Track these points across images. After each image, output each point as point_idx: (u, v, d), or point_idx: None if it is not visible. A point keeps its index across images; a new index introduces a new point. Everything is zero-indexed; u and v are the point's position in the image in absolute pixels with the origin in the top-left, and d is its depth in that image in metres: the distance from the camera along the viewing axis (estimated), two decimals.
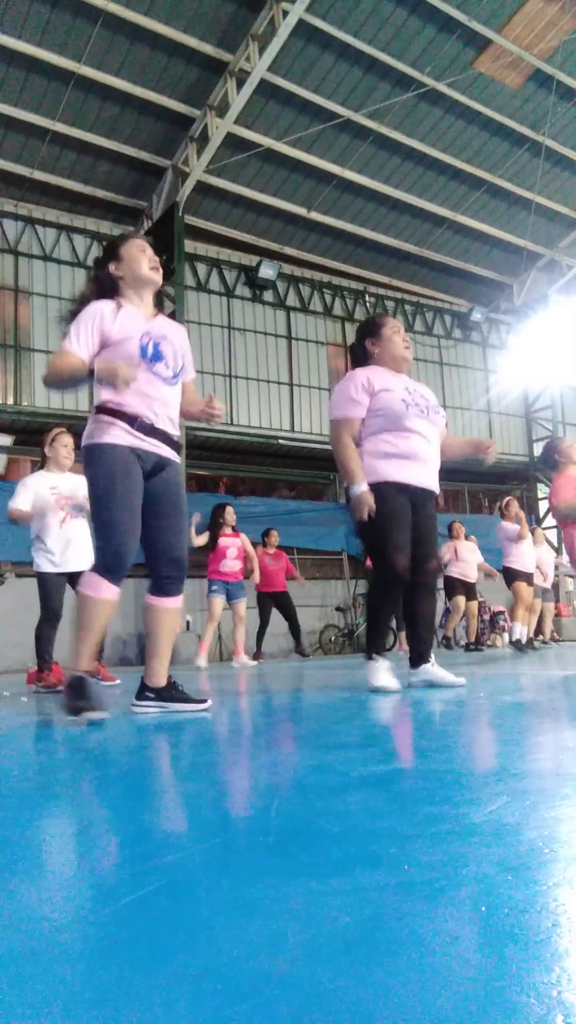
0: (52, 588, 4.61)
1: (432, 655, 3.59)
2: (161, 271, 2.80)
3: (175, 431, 2.78)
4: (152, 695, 2.79)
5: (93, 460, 2.60)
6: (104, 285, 2.76)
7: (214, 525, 7.64)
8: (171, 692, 2.78)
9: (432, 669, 3.53)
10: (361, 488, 3.30)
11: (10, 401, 10.41)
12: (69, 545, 4.61)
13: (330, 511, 12.78)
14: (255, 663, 7.93)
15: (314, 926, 0.69)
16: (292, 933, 0.68)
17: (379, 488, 3.34)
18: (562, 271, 15.07)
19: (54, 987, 0.59)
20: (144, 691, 2.81)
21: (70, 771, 1.78)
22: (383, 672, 3.34)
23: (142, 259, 2.73)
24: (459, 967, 0.60)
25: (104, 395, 2.62)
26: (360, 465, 3.36)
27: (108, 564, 2.54)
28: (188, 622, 10.61)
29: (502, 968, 0.59)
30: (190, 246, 11.80)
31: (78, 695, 2.45)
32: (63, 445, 4.77)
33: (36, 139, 10.29)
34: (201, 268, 12.32)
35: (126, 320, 2.65)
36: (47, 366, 2.64)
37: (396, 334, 3.56)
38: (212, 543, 7.58)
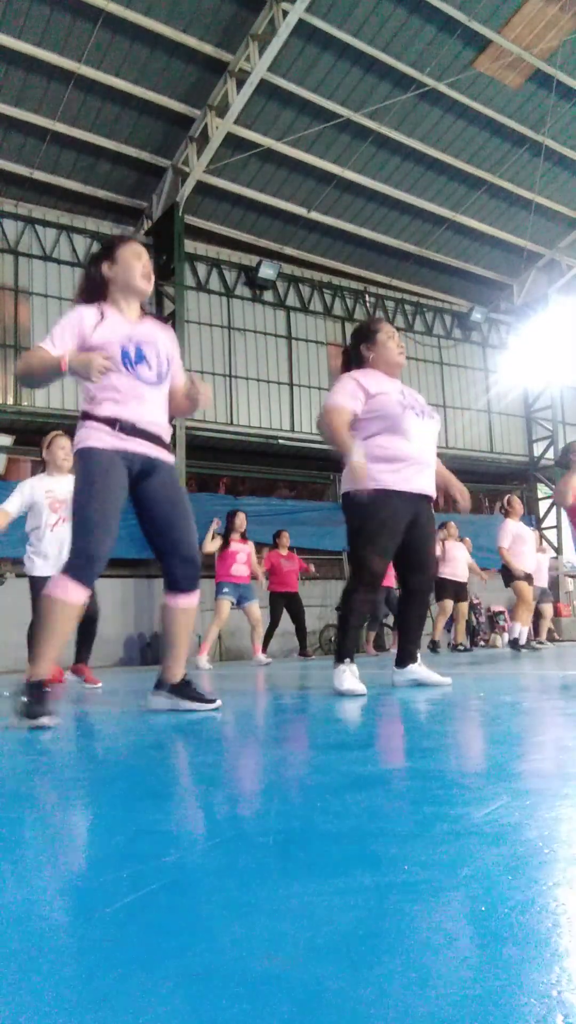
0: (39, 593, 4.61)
1: (419, 655, 3.63)
2: (152, 280, 2.83)
3: (163, 432, 2.79)
4: (166, 689, 2.84)
5: (78, 464, 2.66)
6: (95, 282, 2.79)
7: (228, 530, 7.76)
8: (185, 689, 2.82)
9: (418, 669, 3.58)
10: (356, 456, 3.25)
11: (10, 401, 10.41)
12: (61, 548, 4.61)
13: (330, 511, 12.76)
14: (270, 661, 8.00)
15: (314, 926, 0.69)
16: (292, 933, 0.68)
17: (374, 495, 3.33)
18: (562, 271, 15.06)
19: (54, 987, 0.59)
20: (158, 685, 2.88)
21: (70, 771, 1.78)
22: (349, 676, 3.29)
23: (136, 266, 2.76)
24: (459, 967, 0.60)
25: (86, 404, 2.67)
26: (351, 438, 3.33)
27: (78, 565, 2.53)
28: None
29: (502, 968, 0.59)
30: (190, 246, 11.80)
31: (37, 700, 2.43)
32: (60, 448, 4.79)
33: (36, 139, 10.28)
34: (201, 268, 12.31)
35: (107, 328, 2.68)
36: (20, 360, 2.69)
37: (390, 339, 3.56)
38: (223, 547, 7.69)
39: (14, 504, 4.64)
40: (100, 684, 4.83)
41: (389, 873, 0.84)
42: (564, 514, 5.22)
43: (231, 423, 12.07)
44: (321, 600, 12.44)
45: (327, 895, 0.77)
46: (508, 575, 8.37)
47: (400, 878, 0.81)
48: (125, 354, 2.65)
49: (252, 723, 2.61)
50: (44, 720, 2.37)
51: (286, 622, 9.03)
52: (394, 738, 2.12)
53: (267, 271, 12.40)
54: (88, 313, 2.69)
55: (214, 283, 12.42)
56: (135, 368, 2.67)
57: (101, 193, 11.29)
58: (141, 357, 2.69)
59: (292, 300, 13.24)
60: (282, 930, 0.69)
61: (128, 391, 2.66)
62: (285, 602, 8.93)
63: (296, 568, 9.07)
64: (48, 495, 4.67)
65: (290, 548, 9.26)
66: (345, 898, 0.76)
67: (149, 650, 10.56)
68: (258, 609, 7.93)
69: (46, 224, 11.10)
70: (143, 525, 2.82)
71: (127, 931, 0.71)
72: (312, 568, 9.26)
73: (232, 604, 7.60)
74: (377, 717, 2.60)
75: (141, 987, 0.59)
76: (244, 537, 7.91)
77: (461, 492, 3.78)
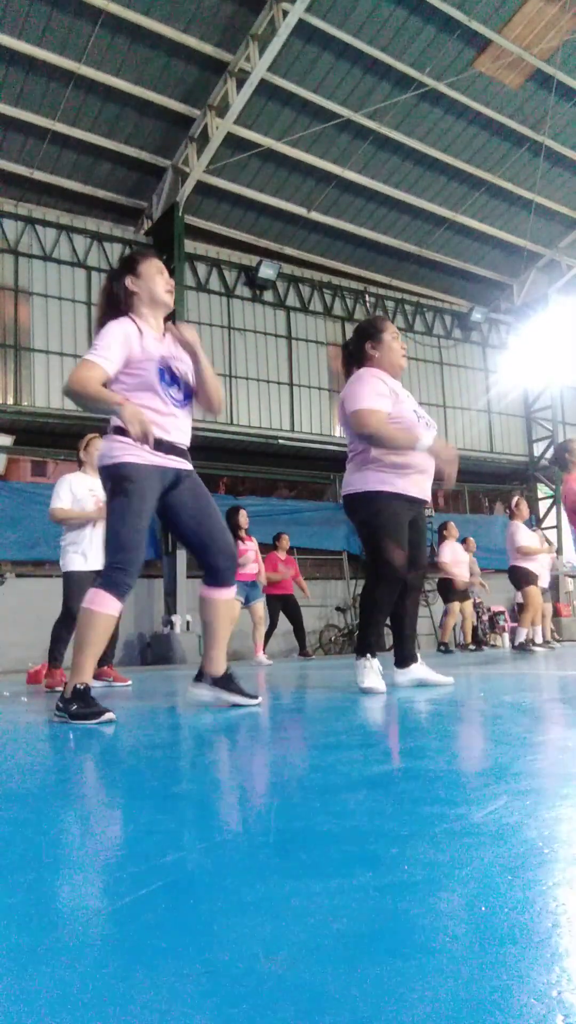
0: (78, 588, 4.65)
1: (418, 655, 3.62)
2: (174, 294, 2.91)
3: (187, 444, 2.90)
4: (208, 682, 2.89)
5: (111, 479, 2.68)
6: (118, 298, 2.83)
7: (233, 528, 7.73)
8: (227, 683, 2.88)
9: (420, 668, 3.57)
10: (428, 441, 3.33)
11: (10, 401, 10.40)
12: (99, 544, 4.69)
13: (330, 511, 12.77)
14: (271, 662, 8.01)
15: (314, 926, 0.69)
16: (292, 933, 0.68)
17: (384, 497, 3.36)
18: (562, 271, 15.06)
19: (54, 987, 0.59)
20: (201, 676, 2.92)
21: (70, 770, 1.78)
22: (372, 673, 3.31)
23: (159, 280, 2.84)
24: (459, 967, 0.60)
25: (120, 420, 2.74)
26: (408, 430, 3.36)
27: (112, 578, 2.62)
28: (188, 622, 10.61)
29: (502, 968, 0.59)
30: (190, 246, 11.79)
31: (84, 703, 2.56)
32: (97, 449, 4.88)
33: (36, 139, 10.28)
34: (201, 268, 12.30)
35: (147, 343, 2.75)
36: (72, 378, 2.62)
37: (395, 341, 3.54)
38: None
39: (67, 500, 4.70)
40: (129, 681, 4.91)
41: (389, 873, 0.84)
42: (564, 514, 5.24)
43: (231, 423, 12.06)
44: (321, 600, 12.43)
45: (327, 895, 0.77)
46: (521, 577, 8.32)
47: (400, 878, 0.81)
48: (162, 375, 2.74)
49: (253, 723, 2.61)
50: (107, 716, 2.50)
51: (286, 622, 9.04)
52: (395, 738, 2.12)
53: (267, 271, 12.39)
54: (131, 328, 2.74)
55: (214, 283, 12.42)
56: (169, 390, 2.77)
57: (101, 193, 11.29)
58: (174, 379, 2.79)
59: (292, 300, 13.24)
60: (282, 930, 0.69)
61: (163, 411, 2.75)
62: (281, 605, 8.94)
63: (292, 575, 9.08)
64: (91, 493, 4.72)
65: (289, 550, 9.26)
66: (345, 898, 0.76)
67: (150, 651, 10.56)
68: (262, 608, 7.98)
69: (46, 224, 11.09)
70: (176, 530, 2.90)
71: (127, 931, 0.71)
72: (306, 591, 9.27)
73: (241, 603, 7.60)
74: (378, 717, 2.60)
75: (142, 987, 0.59)
76: (248, 534, 7.91)
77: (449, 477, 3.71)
